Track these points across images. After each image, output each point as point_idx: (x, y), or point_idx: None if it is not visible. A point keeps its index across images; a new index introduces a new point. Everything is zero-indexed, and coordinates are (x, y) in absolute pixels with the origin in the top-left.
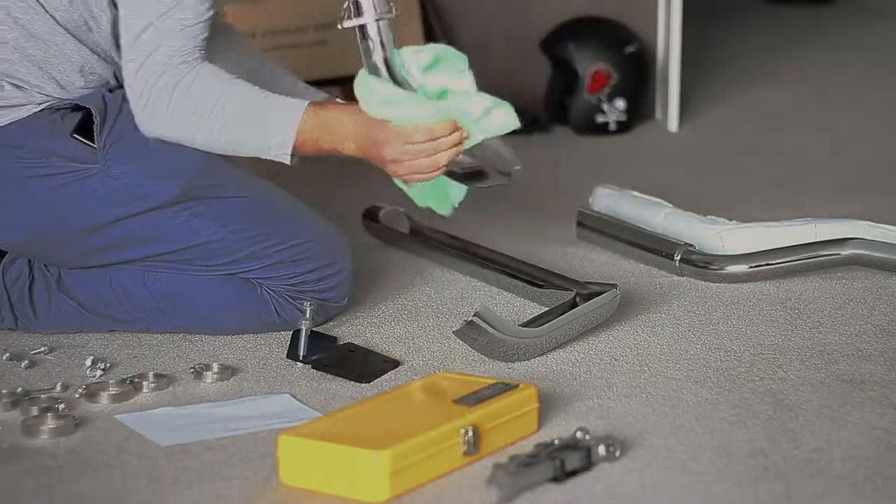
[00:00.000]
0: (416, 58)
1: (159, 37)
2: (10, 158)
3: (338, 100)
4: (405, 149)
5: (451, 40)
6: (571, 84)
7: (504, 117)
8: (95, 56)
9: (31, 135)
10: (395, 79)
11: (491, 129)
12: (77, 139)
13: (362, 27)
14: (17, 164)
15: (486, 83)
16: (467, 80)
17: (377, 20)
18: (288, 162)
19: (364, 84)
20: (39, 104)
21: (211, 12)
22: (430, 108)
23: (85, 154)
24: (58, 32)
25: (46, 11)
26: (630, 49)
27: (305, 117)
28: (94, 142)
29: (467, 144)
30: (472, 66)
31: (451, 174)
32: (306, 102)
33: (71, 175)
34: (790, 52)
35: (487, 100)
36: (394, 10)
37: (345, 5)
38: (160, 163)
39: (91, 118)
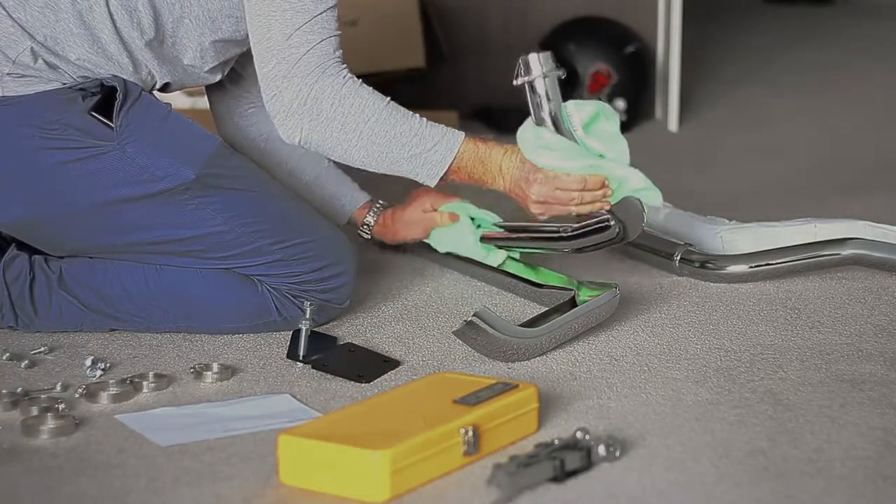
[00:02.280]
0: (579, 112)
1: (310, 38)
2: (25, 127)
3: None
4: (554, 193)
5: (451, 40)
6: (571, 84)
7: (654, 198)
8: (129, 58)
9: (51, 107)
10: (559, 131)
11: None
12: (94, 116)
13: (531, 83)
14: (32, 134)
15: (486, 83)
16: (622, 147)
17: (545, 76)
18: (433, 184)
19: (530, 131)
20: (65, 84)
21: (339, 32)
22: (588, 163)
23: (101, 131)
24: (106, 28)
25: (107, 6)
26: (630, 49)
27: (465, 146)
28: (111, 120)
29: (612, 200)
30: (471, 65)
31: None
32: (463, 133)
33: (85, 150)
34: (790, 52)
35: (644, 179)
36: (561, 69)
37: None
38: (175, 146)
39: (110, 99)
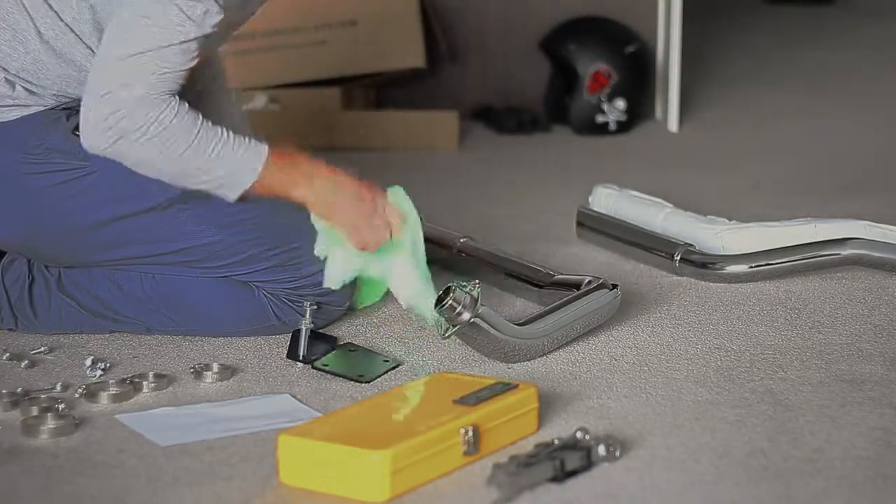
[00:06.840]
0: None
1: (144, 69)
2: (10, 153)
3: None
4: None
5: (451, 40)
6: (571, 84)
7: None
8: None
9: (33, 132)
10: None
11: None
12: (78, 136)
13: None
14: (17, 160)
15: (487, 83)
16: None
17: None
18: (232, 200)
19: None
20: (46, 106)
21: (193, 63)
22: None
23: (84, 151)
24: (79, 52)
25: (71, 30)
26: (630, 49)
27: (265, 168)
28: None
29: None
30: (471, 65)
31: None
32: (266, 148)
33: (69, 172)
34: (790, 52)
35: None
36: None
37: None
38: None
39: None
